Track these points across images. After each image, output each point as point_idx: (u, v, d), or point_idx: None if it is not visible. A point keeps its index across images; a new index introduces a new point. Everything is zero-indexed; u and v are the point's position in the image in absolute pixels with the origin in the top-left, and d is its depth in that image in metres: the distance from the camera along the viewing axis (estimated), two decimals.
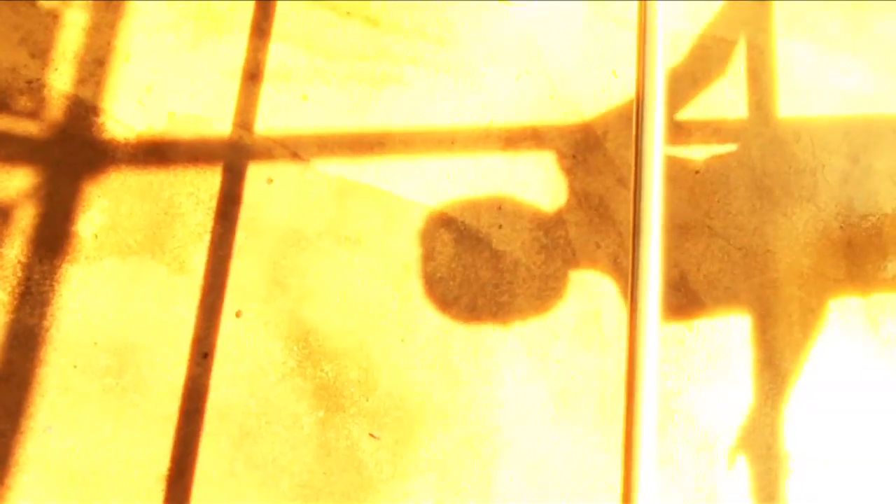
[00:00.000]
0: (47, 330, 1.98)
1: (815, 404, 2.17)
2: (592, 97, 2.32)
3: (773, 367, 2.17)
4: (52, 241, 2.04)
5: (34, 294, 2.00)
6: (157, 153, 2.13)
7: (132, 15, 2.23)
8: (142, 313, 2.02)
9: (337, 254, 2.12)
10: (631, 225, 1.40)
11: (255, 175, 2.15)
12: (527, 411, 2.08)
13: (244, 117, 2.19)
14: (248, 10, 2.28)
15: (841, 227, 2.29)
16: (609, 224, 2.22)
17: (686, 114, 2.34)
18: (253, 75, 2.23)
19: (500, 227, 2.19)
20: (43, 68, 2.15)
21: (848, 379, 2.19)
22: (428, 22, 2.34)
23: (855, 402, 2.18)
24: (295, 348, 2.05)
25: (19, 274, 2.01)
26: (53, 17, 2.19)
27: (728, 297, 2.21)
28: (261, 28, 2.27)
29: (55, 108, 2.13)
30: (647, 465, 1.25)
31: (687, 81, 2.37)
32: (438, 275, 2.14)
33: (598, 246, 2.20)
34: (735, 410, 2.14)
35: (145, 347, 2.00)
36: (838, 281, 2.26)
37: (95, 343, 1.99)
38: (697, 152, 2.31)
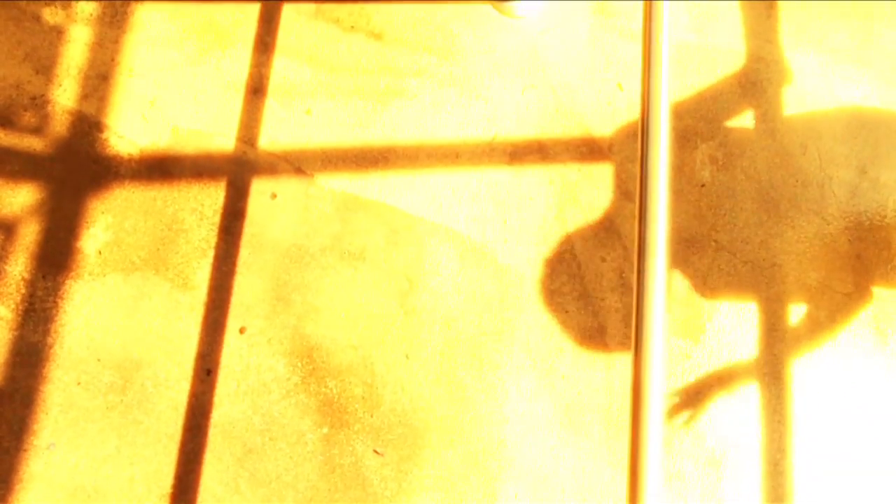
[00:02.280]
0: (51, 346, 1.98)
1: (822, 419, 2.15)
2: (598, 110, 2.31)
3: (780, 382, 2.16)
4: (55, 257, 2.03)
5: (38, 311, 2.00)
6: (160, 168, 2.13)
7: (136, 30, 2.23)
8: (145, 330, 2.02)
9: (341, 269, 2.11)
10: (636, 239, 1.39)
11: (259, 190, 2.15)
12: (532, 427, 2.07)
13: (248, 132, 2.19)
14: (251, 25, 2.28)
15: (849, 241, 2.27)
16: (614, 238, 2.21)
17: (691, 126, 2.33)
18: (256, 90, 2.23)
19: (506, 241, 2.18)
20: (47, 84, 2.15)
21: (856, 393, 2.18)
22: (432, 35, 2.33)
23: (863, 416, 2.16)
24: (299, 364, 2.04)
25: (23, 290, 2.00)
26: (58, 33, 2.20)
27: (734, 312, 2.19)
28: (264, 42, 2.27)
29: (59, 124, 2.13)
30: (653, 481, 1.24)
31: (692, 94, 2.36)
32: (443, 290, 2.13)
33: (604, 260, 2.19)
34: (742, 425, 2.12)
35: (149, 364, 2.00)
36: (846, 294, 2.24)
37: (99, 360, 1.98)
38: (703, 165, 2.30)
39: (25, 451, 1.92)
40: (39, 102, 2.13)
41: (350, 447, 2.01)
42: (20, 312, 1.99)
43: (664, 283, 1.35)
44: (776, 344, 2.17)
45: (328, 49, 2.29)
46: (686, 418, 2.10)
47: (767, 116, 2.36)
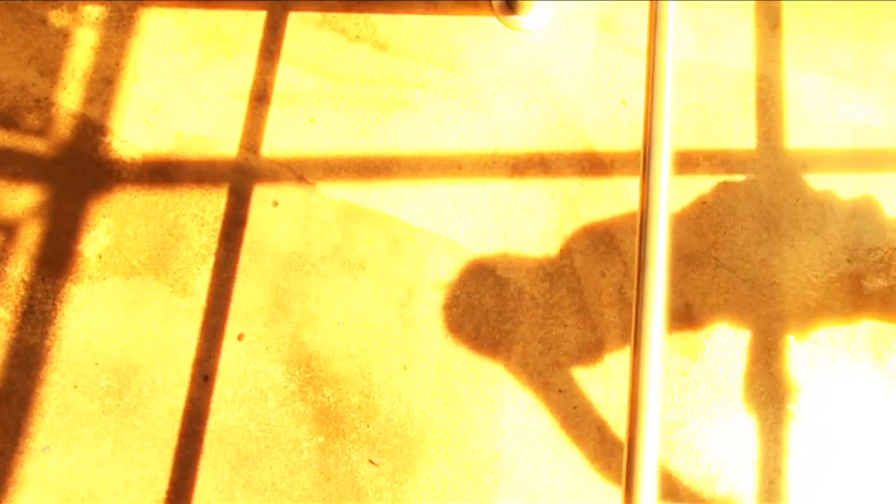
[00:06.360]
0: (48, 349, 1.98)
1: (819, 439, 2.15)
2: (600, 125, 2.32)
3: (777, 401, 2.16)
4: (55, 259, 2.03)
5: (36, 313, 2.00)
6: (163, 174, 2.13)
7: (141, 35, 2.24)
8: (144, 334, 2.02)
9: (340, 278, 2.11)
10: (636, 255, 1.39)
11: (261, 197, 2.15)
12: (528, 440, 2.07)
13: (251, 139, 2.19)
14: (257, 33, 2.28)
15: (848, 261, 2.28)
16: (615, 253, 2.21)
17: (694, 144, 2.34)
18: (261, 97, 2.23)
19: (506, 254, 2.18)
20: (51, 87, 2.16)
21: (853, 414, 2.18)
22: (437, 47, 2.34)
23: (860, 436, 2.16)
24: (296, 372, 2.04)
25: (22, 292, 2.00)
26: (63, 36, 2.20)
27: (733, 330, 2.19)
28: (269, 50, 2.27)
29: (62, 127, 2.13)
30: (648, 498, 1.24)
31: (695, 111, 2.37)
32: (442, 301, 2.13)
33: (603, 275, 2.19)
34: (738, 444, 2.12)
35: (146, 369, 2.00)
36: (845, 314, 2.24)
37: (96, 363, 1.98)
38: (705, 183, 2.30)
39: (21, 453, 1.91)
40: (43, 105, 2.14)
41: (346, 457, 2.00)
42: (19, 314, 1.99)
43: (663, 299, 1.35)
44: (773, 363, 2.18)
45: (333, 58, 2.29)
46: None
47: (770, 135, 2.36)
